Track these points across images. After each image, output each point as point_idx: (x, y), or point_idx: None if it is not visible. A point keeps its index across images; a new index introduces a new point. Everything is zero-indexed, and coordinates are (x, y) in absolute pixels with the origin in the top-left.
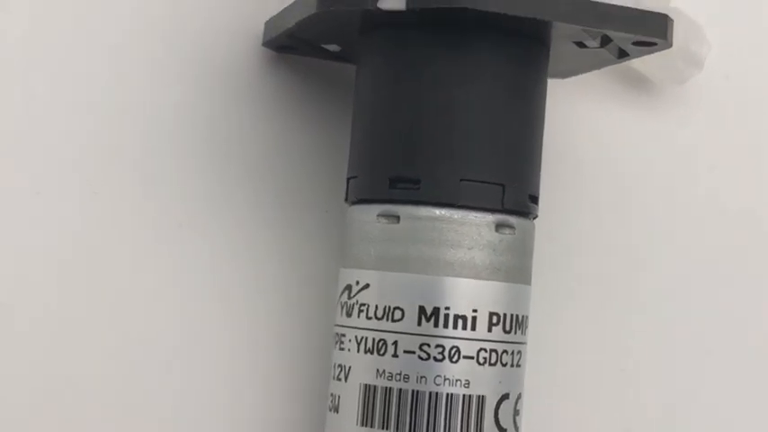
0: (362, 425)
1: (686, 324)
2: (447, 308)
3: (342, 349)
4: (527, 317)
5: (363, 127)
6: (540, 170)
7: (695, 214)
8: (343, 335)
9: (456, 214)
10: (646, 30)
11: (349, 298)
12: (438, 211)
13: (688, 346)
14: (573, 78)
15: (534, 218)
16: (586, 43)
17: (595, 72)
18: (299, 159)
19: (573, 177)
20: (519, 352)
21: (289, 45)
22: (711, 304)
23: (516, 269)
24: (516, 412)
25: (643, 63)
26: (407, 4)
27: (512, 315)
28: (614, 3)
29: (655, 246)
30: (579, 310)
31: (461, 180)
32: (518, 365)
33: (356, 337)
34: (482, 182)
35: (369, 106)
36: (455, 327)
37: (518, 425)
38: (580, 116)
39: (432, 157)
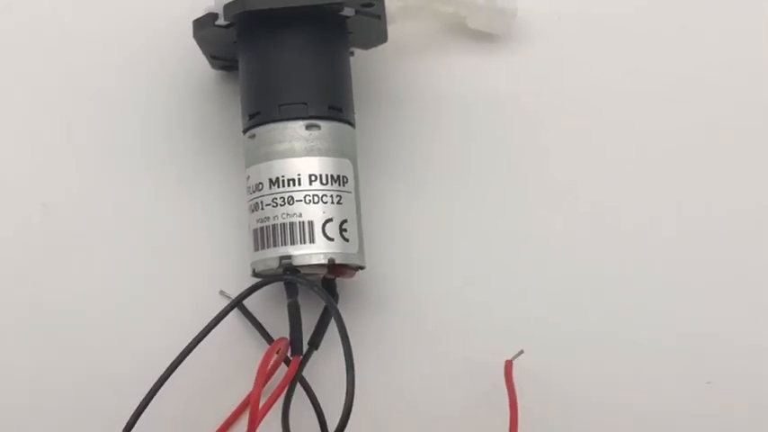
0: (254, 250)
1: None
2: (283, 176)
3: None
4: (343, 175)
5: (240, 88)
6: (341, 90)
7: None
8: (249, 206)
9: (279, 125)
10: None
11: (247, 184)
12: (270, 126)
13: None
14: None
15: (344, 120)
16: (345, 13)
17: (449, 34)
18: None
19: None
20: (338, 195)
21: (224, 64)
22: None
23: (327, 149)
24: (343, 229)
25: (475, 23)
26: (225, 16)
27: (327, 174)
28: None
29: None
30: None
31: (280, 105)
32: (338, 203)
33: (248, 205)
34: (292, 103)
35: (240, 76)
36: (289, 185)
37: (346, 236)
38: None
39: (264, 96)
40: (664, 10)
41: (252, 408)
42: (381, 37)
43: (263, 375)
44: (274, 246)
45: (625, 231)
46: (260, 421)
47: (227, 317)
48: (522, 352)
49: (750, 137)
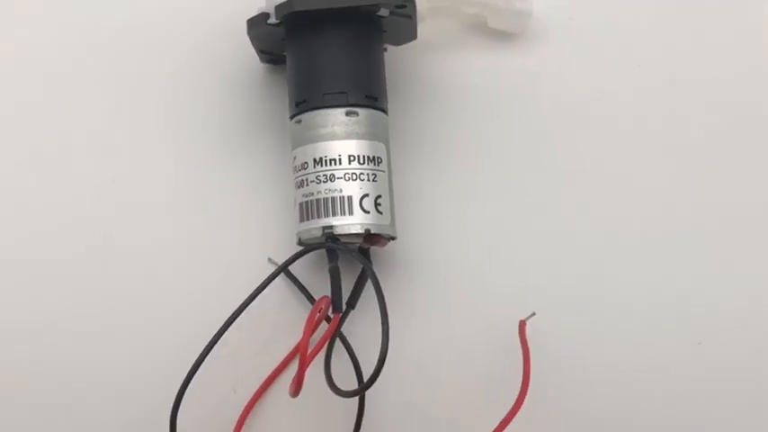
0: (300, 221)
1: None
2: (326, 156)
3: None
4: (378, 156)
5: (288, 79)
6: (376, 82)
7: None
8: (295, 183)
9: (323, 111)
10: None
11: (293, 163)
12: (315, 112)
13: None
14: (453, 39)
15: (379, 108)
16: (381, 13)
17: (471, 33)
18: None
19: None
20: (374, 174)
21: (271, 58)
22: None
23: (364, 133)
24: (378, 204)
25: (495, 23)
26: (276, 16)
27: (364, 155)
28: None
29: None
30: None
31: (324, 94)
32: (374, 181)
33: (295, 182)
34: (335, 93)
35: (288, 69)
36: (331, 165)
37: (380, 210)
38: (464, 62)
39: (309, 86)
40: (666, 10)
41: (301, 353)
42: (411, 35)
43: (311, 325)
44: (317, 217)
45: (625, 209)
46: (308, 366)
47: (275, 280)
48: (534, 314)
49: (748, 124)
